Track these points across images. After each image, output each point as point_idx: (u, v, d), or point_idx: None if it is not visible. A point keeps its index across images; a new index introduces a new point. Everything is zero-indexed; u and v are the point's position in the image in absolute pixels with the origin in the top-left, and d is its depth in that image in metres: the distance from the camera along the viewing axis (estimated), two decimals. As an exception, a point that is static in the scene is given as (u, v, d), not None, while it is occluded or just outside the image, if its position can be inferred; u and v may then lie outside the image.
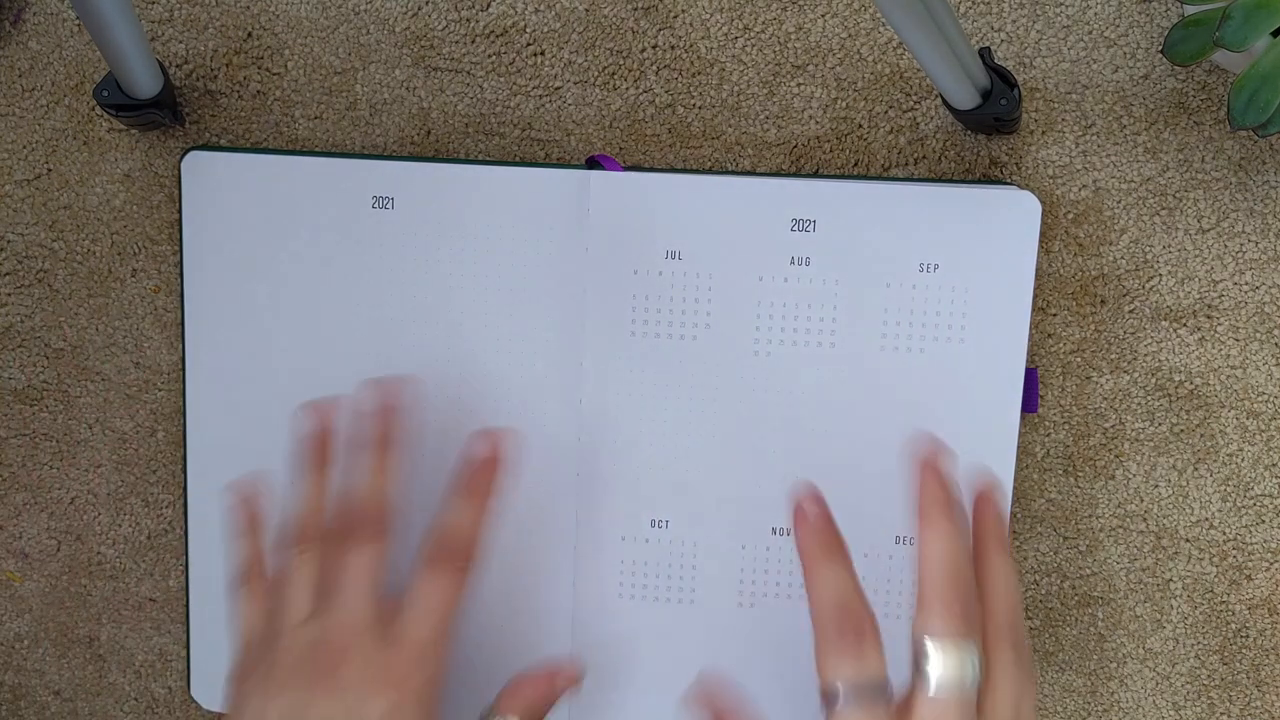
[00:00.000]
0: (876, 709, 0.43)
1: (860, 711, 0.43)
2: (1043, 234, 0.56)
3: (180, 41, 0.60)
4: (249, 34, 0.60)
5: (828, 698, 0.44)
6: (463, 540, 0.50)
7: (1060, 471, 0.58)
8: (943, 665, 0.43)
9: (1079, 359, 0.58)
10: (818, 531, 0.47)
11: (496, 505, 0.51)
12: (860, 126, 0.58)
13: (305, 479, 0.52)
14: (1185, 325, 0.57)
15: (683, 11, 0.58)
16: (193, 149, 0.57)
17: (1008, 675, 0.45)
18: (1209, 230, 0.57)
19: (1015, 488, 0.58)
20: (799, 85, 0.58)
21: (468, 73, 0.59)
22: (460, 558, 0.49)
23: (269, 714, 0.46)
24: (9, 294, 0.61)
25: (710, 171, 0.58)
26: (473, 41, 0.59)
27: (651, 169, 0.58)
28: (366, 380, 0.54)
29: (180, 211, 0.57)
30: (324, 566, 0.50)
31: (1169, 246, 0.57)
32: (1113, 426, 0.58)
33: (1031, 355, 0.57)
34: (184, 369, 0.58)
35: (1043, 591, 0.59)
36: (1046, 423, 0.58)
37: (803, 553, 0.47)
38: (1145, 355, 0.58)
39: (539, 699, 0.52)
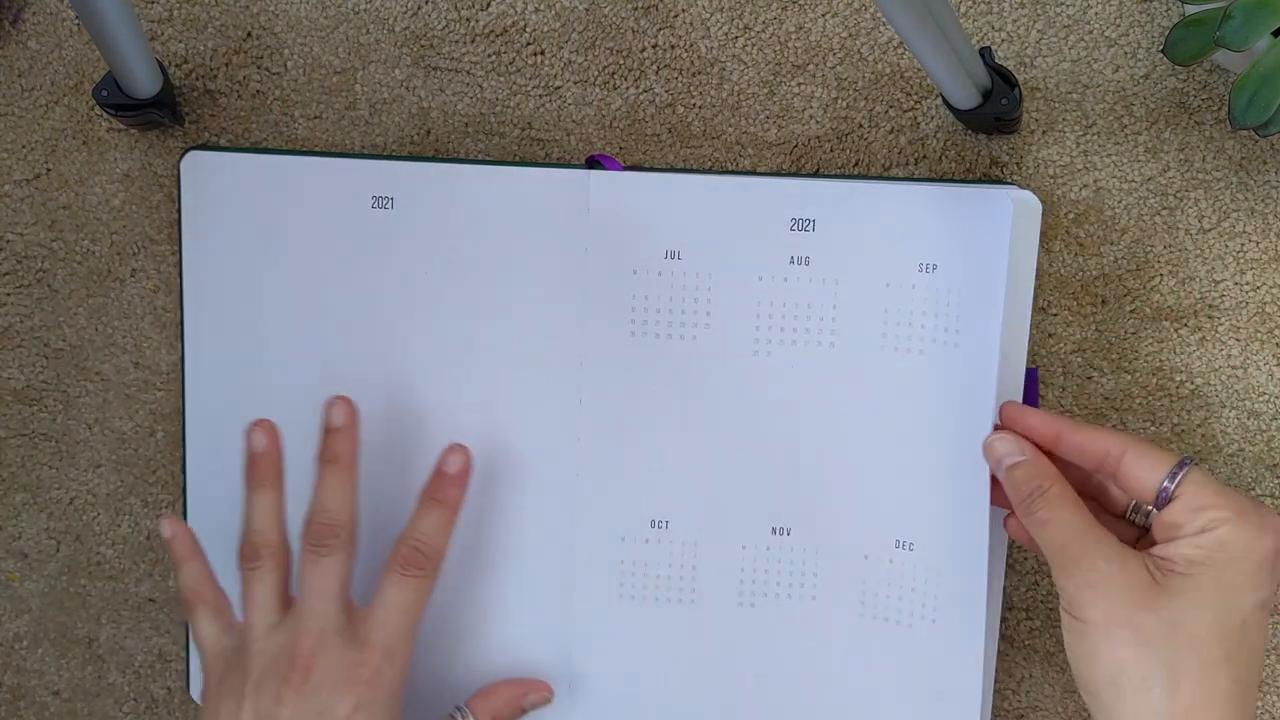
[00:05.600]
0: None
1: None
2: (1043, 234, 0.56)
3: (180, 41, 0.60)
4: (248, 34, 0.60)
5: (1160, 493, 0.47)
6: (432, 549, 0.53)
7: (1061, 472, 0.58)
8: None
9: (1079, 359, 0.58)
10: None
11: (459, 515, 0.55)
12: (860, 126, 0.58)
13: (260, 495, 0.54)
14: (1186, 325, 0.57)
15: (683, 11, 0.58)
16: (192, 149, 0.57)
17: None
18: (1210, 230, 0.57)
19: (1016, 488, 0.58)
20: (799, 85, 0.58)
21: (468, 72, 0.59)
22: (429, 565, 0.53)
23: (243, 716, 0.49)
24: (9, 294, 0.61)
25: (710, 171, 0.58)
26: (473, 41, 0.59)
27: (651, 169, 0.58)
28: (331, 399, 0.55)
29: (179, 211, 0.57)
30: (285, 577, 0.53)
31: (1170, 246, 0.57)
32: (1114, 426, 0.58)
33: (1032, 355, 0.57)
34: (183, 369, 0.58)
35: (1043, 592, 0.59)
36: (1047, 423, 0.58)
37: None
38: (1146, 355, 0.57)
39: (509, 708, 0.55)
